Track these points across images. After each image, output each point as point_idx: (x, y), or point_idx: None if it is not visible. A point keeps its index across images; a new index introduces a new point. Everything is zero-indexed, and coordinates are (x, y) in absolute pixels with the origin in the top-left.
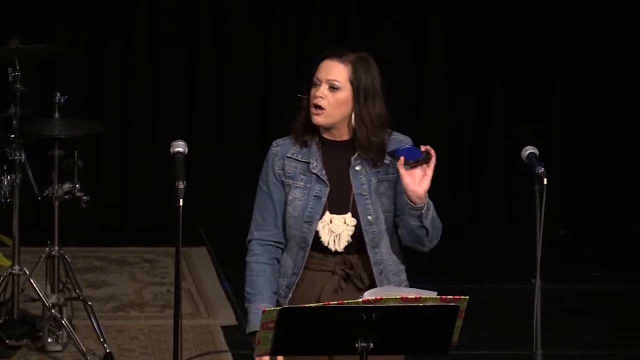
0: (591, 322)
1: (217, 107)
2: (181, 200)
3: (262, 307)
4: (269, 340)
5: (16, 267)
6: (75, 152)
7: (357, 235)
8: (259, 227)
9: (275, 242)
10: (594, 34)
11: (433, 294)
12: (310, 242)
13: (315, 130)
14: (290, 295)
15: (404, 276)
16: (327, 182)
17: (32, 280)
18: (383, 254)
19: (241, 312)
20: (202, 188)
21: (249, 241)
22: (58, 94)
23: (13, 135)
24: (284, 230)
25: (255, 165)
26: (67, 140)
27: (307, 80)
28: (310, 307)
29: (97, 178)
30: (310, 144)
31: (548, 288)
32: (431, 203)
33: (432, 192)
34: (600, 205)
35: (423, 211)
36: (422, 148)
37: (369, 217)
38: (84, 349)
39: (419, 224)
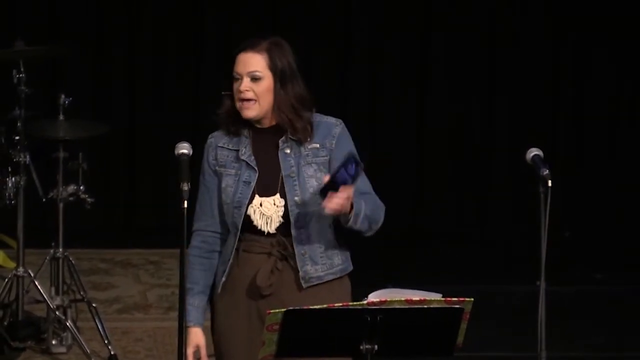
0: (596, 324)
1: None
2: (186, 202)
3: (193, 301)
4: (273, 342)
5: (21, 269)
6: (80, 154)
7: (287, 216)
8: (198, 217)
9: (212, 231)
10: (597, 37)
11: (438, 296)
12: (240, 226)
13: (242, 120)
14: (224, 278)
15: (337, 260)
16: (255, 167)
17: (36, 282)
18: (311, 235)
19: None
20: None
21: (192, 232)
22: (63, 96)
23: (18, 137)
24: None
25: None
26: (72, 142)
27: (228, 78)
28: (315, 309)
29: (102, 180)
30: (241, 132)
31: (552, 290)
32: (361, 203)
33: (436, 193)
34: (605, 206)
35: (350, 223)
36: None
37: (296, 198)
38: (88, 351)
39: (353, 228)
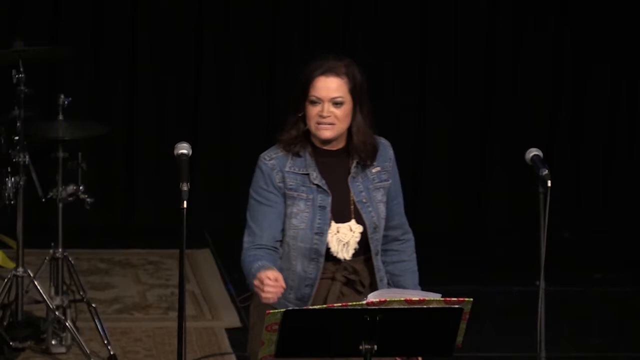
0: (595, 324)
1: (221, 109)
2: (185, 202)
3: (264, 263)
4: (273, 342)
5: (20, 269)
6: (79, 154)
7: (363, 242)
8: (258, 237)
9: (273, 247)
10: (598, 40)
11: (437, 296)
12: (323, 252)
13: (306, 141)
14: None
15: (385, 281)
16: (328, 191)
17: (36, 282)
18: (379, 260)
19: (245, 315)
20: (206, 190)
21: (243, 252)
22: (62, 96)
23: (17, 137)
24: (280, 241)
25: None
26: (71, 142)
27: (296, 96)
28: (315, 309)
29: (101, 180)
30: (303, 154)
31: (552, 290)
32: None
33: (435, 193)
34: (604, 206)
35: None
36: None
37: (375, 224)
38: (87, 351)
39: None
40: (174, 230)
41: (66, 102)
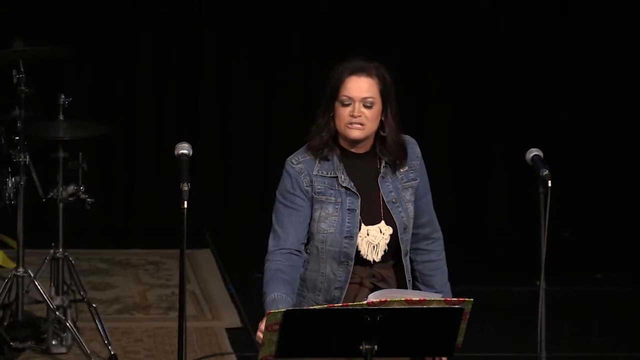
0: (595, 325)
1: (221, 109)
2: (185, 202)
3: (278, 295)
4: (273, 343)
5: (20, 269)
6: (80, 154)
7: (393, 244)
8: (283, 241)
9: (298, 251)
10: (598, 38)
11: (437, 296)
12: (353, 256)
13: (334, 144)
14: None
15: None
16: (357, 193)
17: (36, 283)
18: (408, 261)
19: (245, 314)
20: (207, 190)
21: (268, 256)
22: (62, 96)
23: (17, 137)
24: (306, 244)
25: (260, 167)
26: (72, 142)
27: (326, 97)
28: (315, 309)
29: (102, 180)
30: (331, 157)
31: (552, 290)
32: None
33: (435, 193)
34: (604, 207)
35: None
36: None
37: (404, 225)
38: (88, 351)
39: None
40: (175, 230)
41: (66, 102)
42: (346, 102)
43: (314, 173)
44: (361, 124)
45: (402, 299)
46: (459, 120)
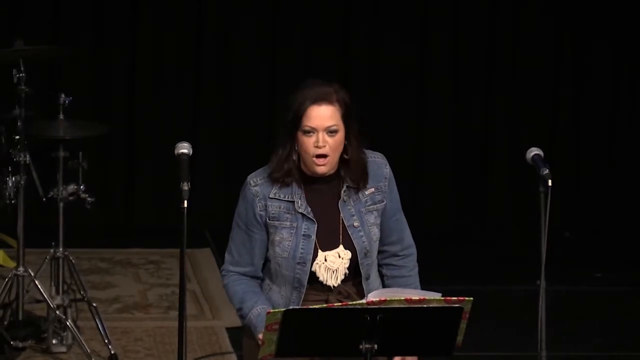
0: (596, 324)
1: (222, 108)
2: (186, 201)
3: (261, 308)
4: (273, 342)
5: (21, 269)
6: (80, 153)
7: (353, 267)
8: (235, 263)
9: (252, 276)
10: (598, 35)
11: (437, 295)
12: (305, 282)
13: (296, 169)
14: None
15: None
16: (314, 219)
17: (36, 282)
18: (372, 284)
19: None
20: (207, 189)
21: (223, 271)
22: (63, 96)
23: (18, 137)
24: (264, 265)
25: (259, 167)
26: (72, 142)
27: (288, 126)
28: (315, 308)
29: (102, 179)
30: (290, 181)
31: (553, 289)
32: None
33: (435, 193)
34: (604, 206)
35: None
36: None
37: (365, 249)
38: (88, 351)
39: None
40: (175, 230)
41: (67, 102)
42: (309, 132)
43: (270, 196)
44: (325, 155)
45: (402, 298)
46: (459, 119)
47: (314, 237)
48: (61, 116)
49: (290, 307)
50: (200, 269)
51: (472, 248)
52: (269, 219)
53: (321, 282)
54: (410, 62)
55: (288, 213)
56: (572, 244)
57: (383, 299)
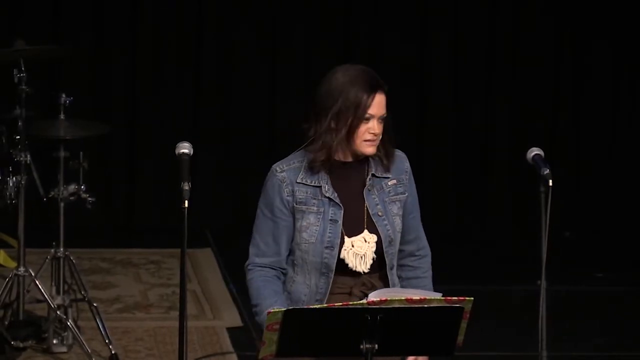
0: (596, 324)
1: (223, 108)
2: (186, 201)
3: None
4: (274, 342)
5: (21, 269)
6: (81, 153)
7: (379, 253)
8: (262, 253)
9: (278, 267)
10: (598, 35)
11: (438, 295)
12: (334, 267)
13: (332, 155)
14: None
15: None
16: (340, 204)
17: (37, 282)
18: (394, 275)
19: (246, 314)
20: (208, 189)
21: (248, 265)
22: (63, 95)
23: (18, 137)
24: (289, 255)
25: (261, 166)
26: (73, 142)
27: (344, 112)
28: (316, 308)
29: (103, 179)
30: (318, 168)
31: (553, 289)
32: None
33: (435, 193)
34: (605, 206)
35: None
36: None
37: (390, 237)
38: (89, 350)
39: None
40: (175, 230)
41: (67, 102)
42: (367, 118)
43: (297, 181)
44: (375, 140)
45: (403, 297)
46: (459, 119)
47: (340, 222)
48: (62, 116)
49: (291, 307)
50: (201, 269)
51: (472, 248)
52: (296, 204)
53: (349, 270)
54: (410, 62)
55: (315, 198)
56: (572, 244)
57: (384, 298)
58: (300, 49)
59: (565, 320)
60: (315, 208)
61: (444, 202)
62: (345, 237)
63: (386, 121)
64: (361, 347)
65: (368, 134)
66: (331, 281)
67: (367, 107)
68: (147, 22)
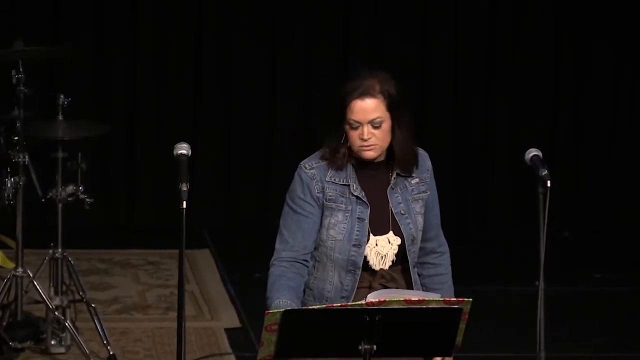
0: (595, 324)
1: (221, 109)
2: (184, 202)
3: (284, 302)
4: (272, 343)
5: (20, 270)
6: (79, 154)
7: (400, 254)
8: (289, 247)
9: (304, 260)
10: (598, 35)
11: (437, 296)
12: (361, 265)
13: (349, 154)
14: None
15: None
16: (367, 202)
17: (35, 283)
18: (416, 273)
19: (244, 314)
20: (206, 190)
21: (274, 260)
22: (62, 96)
23: (17, 138)
24: (314, 251)
25: (260, 167)
26: (71, 142)
27: (336, 119)
28: (314, 309)
29: (101, 180)
30: (345, 166)
31: (552, 290)
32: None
33: (437, 193)
34: (604, 206)
35: None
36: None
37: (412, 236)
38: (87, 351)
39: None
40: (174, 231)
41: (66, 102)
42: (355, 126)
43: (326, 179)
44: (373, 145)
45: (401, 299)
46: (459, 119)
47: (367, 220)
48: (60, 117)
49: (290, 308)
50: (199, 269)
51: (472, 248)
52: (326, 201)
53: (370, 267)
54: (410, 62)
55: (343, 197)
56: (572, 244)
57: (382, 299)
58: (300, 49)
59: (564, 321)
60: (343, 206)
61: (444, 202)
62: (371, 235)
63: (394, 124)
64: (360, 347)
65: (359, 140)
66: (358, 278)
67: (350, 113)
68: (147, 22)
